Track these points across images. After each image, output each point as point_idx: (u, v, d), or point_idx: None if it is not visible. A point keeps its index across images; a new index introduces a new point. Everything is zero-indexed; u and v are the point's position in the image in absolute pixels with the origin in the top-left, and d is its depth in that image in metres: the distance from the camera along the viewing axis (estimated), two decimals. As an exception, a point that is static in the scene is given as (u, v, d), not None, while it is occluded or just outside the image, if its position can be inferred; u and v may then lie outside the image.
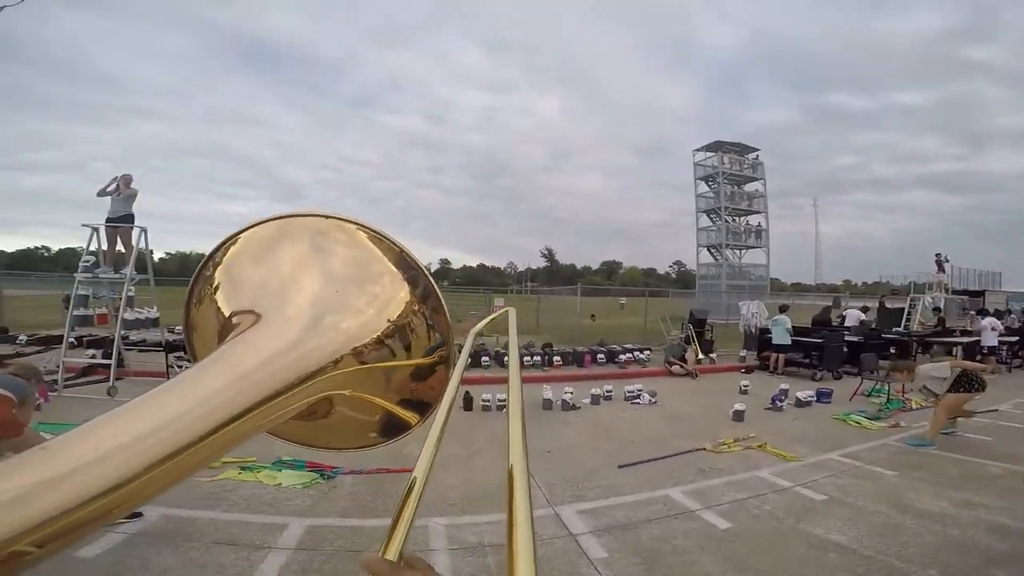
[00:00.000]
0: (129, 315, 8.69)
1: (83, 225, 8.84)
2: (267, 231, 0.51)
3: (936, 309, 16.23)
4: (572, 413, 7.19)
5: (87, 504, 0.26)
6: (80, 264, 8.98)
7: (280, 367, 0.40)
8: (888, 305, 18.60)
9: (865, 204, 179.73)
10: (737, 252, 30.12)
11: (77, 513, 0.26)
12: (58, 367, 7.66)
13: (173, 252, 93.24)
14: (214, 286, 0.50)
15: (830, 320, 12.07)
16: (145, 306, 9.67)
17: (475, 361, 9.71)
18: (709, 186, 29.38)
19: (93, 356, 8.80)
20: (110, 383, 7.35)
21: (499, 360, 10.02)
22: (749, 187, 29.95)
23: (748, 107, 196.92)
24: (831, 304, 13.04)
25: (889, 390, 8.00)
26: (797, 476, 4.78)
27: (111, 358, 7.79)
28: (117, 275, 8.84)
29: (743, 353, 11.94)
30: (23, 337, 10.70)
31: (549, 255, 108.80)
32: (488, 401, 6.98)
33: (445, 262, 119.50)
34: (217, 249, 0.51)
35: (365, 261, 0.51)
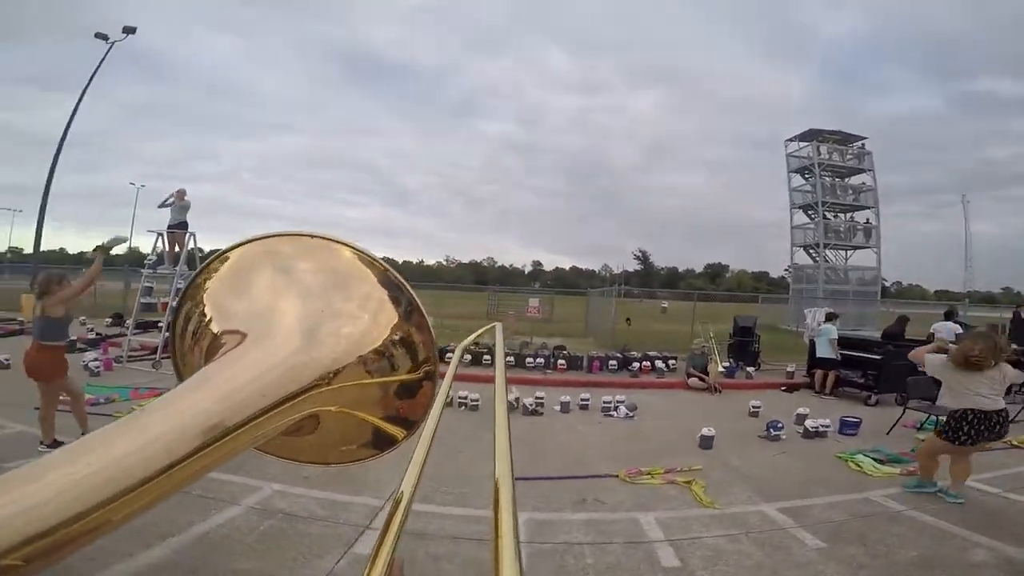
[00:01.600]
0: (176, 303, 10.05)
1: (148, 231, 11.01)
2: (251, 251, 0.50)
3: None
4: (529, 419, 6.56)
5: (77, 519, 0.26)
6: (144, 262, 10.97)
7: (267, 384, 0.40)
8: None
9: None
10: (843, 253, 26.12)
11: (67, 528, 0.25)
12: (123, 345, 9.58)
13: None
14: (200, 308, 0.49)
15: (903, 333, 9.63)
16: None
17: (476, 359, 9.49)
18: (805, 179, 25.77)
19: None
20: (156, 358, 8.84)
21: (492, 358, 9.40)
22: (855, 180, 25.82)
23: (878, 96, 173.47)
24: (904, 316, 10.26)
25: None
26: (682, 529, 3.63)
27: (162, 340, 9.22)
28: (171, 270, 10.49)
29: (791, 368, 9.97)
30: (130, 321, 11.69)
31: (643, 257, 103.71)
32: (464, 398, 6.71)
33: (537, 263, 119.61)
34: (200, 271, 0.50)
35: (351, 278, 0.50)
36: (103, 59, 19.47)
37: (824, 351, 8.71)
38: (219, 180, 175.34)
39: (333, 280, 0.50)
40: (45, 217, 19.12)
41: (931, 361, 4.36)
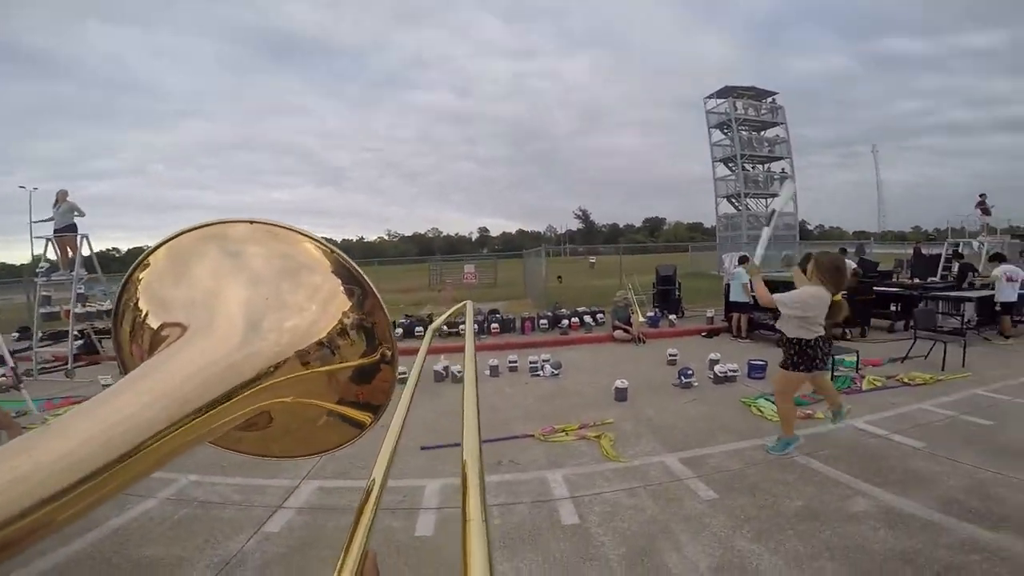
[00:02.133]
0: (80, 309, 9.63)
1: (35, 237, 10.58)
2: (190, 241, 0.46)
3: (997, 255, 13.64)
4: (459, 386, 6.41)
5: (8, 523, 0.25)
6: (36, 270, 10.39)
7: (210, 377, 0.38)
8: (924, 251, 16.19)
9: (937, 149, 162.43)
10: (763, 202, 27.35)
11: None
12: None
13: None
14: (138, 302, 0.46)
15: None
16: (99, 302, 10.48)
17: (453, 328, 9.39)
18: (724, 133, 26.62)
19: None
20: (68, 367, 8.72)
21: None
22: (770, 133, 26.89)
23: (794, 56, 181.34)
24: (810, 253, 10.89)
25: (855, 362, 6.42)
26: (586, 485, 3.70)
27: (71, 348, 9.09)
28: (67, 276, 9.86)
29: (710, 313, 10.40)
30: (40, 333, 10.91)
31: (584, 216, 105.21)
32: (444, 370, 6.85)
33: (484, 230, 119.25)
34: (138, 265, 0.47)
35: (290, 256, 0.47)
36: None
37: (737, 295, 9.09)
38: (124, 175, 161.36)
39: (279, 267, 0.47)
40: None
41: (794, 297, 3.83)
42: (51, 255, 10.32)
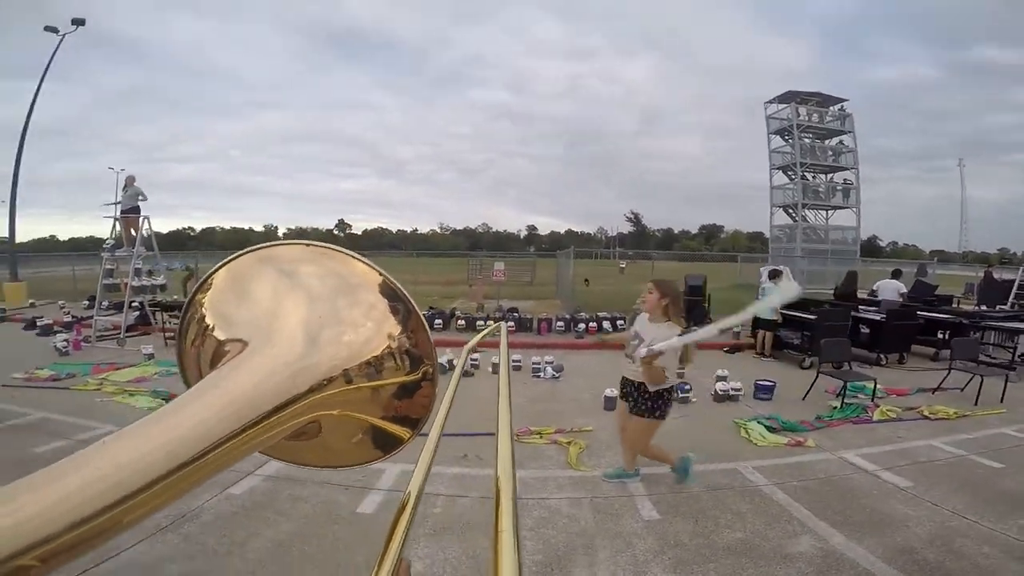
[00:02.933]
0: (136, 282, 10.75)
1: (104, 217, 11.33)
2: (253, 260, 0.51)
3: None
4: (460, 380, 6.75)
5: (89, 520, 0.27)
6: (103, 246, 11.50)
7: (272, 387, 0.41)
8: (996, 276, 14.77)
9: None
10: (823, 214, 25.81)
11: (80, 529, 0.27)
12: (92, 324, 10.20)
13: (293, 228, 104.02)
14: (204, 317, 0.49)
15: (854, 292, 9.48)
16: (154, 277, 11.71)
17: (470, 325, 10.16)
18: (785, 140, 25.27)
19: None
20: (120, 336, 9.63)
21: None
22: (835, 141, 25.28)
23: (873, 64, 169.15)
24: (855, 272, 10.09)
25: (872, 391, 6.00)
26: (537, 488, 3.72)
27: (129, 317, 10.21)
28: (128, 252, 11.01)
29: (737, 329, 9.95)
30: (106, 302, 11.89)
31: (636, 219, 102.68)
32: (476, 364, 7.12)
33: (532, 228, 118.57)
34: (205, 280, 0.51)
35: (343, 275, 0.51)
36: (55, 52, 19.30)
37: (763, 312, 8.62)
38: (205, 160, 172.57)
39: (335, 287, 0.50)
40: (18, 204, 18.92)
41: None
42: (118, 233, 11.29)
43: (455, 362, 5.82)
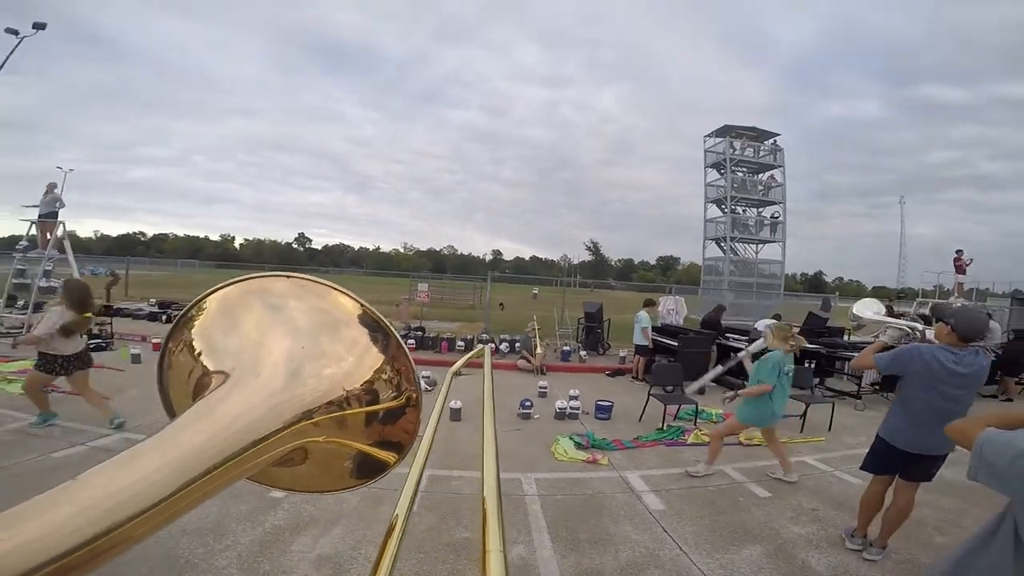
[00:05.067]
0: (44, 283, 11.01)
1: (20, 220, 11.73)
2: (239, 290, 0.52)
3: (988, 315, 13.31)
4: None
5: (73, 552, 0.27)
6: (16, 246, 11.89)
7: (257, 417, 0.42)
8: (896, 310, 15.82)
9: (968, 204, 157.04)
10: (751, 247, 26.93)
11: (64, 560, 0.27)
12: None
13: (251, 239, 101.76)
14: (188, 347, 0.50)
15: (718, 322, 10.05)
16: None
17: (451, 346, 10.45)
18: (720, 173, 26.40)
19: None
20: (22, 333, 9.19)
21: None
22: (766, 176, 26.54)
23: (827, 99, 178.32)
24: (722, 305, 10.74)
25: (695, 413, 6.34)
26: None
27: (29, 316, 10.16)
28: (39, 255, 11.38)
29: (623, 354, 10.35)
30: (22, 302, 11.86)
31: (594, 249, 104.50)
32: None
33: (497, 252, 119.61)
34: (188, 311, 0.51)
35: (327, 311, 0.52)
36: (10, 54, 18.96)
37: (637, 338, 9.06)
38: (167, 164, 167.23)
39: (317, 321, 0.51)
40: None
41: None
42: (34, 235, 11.67)
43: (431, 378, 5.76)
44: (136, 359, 8.40)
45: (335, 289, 0.52)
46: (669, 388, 7.22)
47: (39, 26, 19.60)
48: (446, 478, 4.20)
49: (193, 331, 0.51)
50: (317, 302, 0.52)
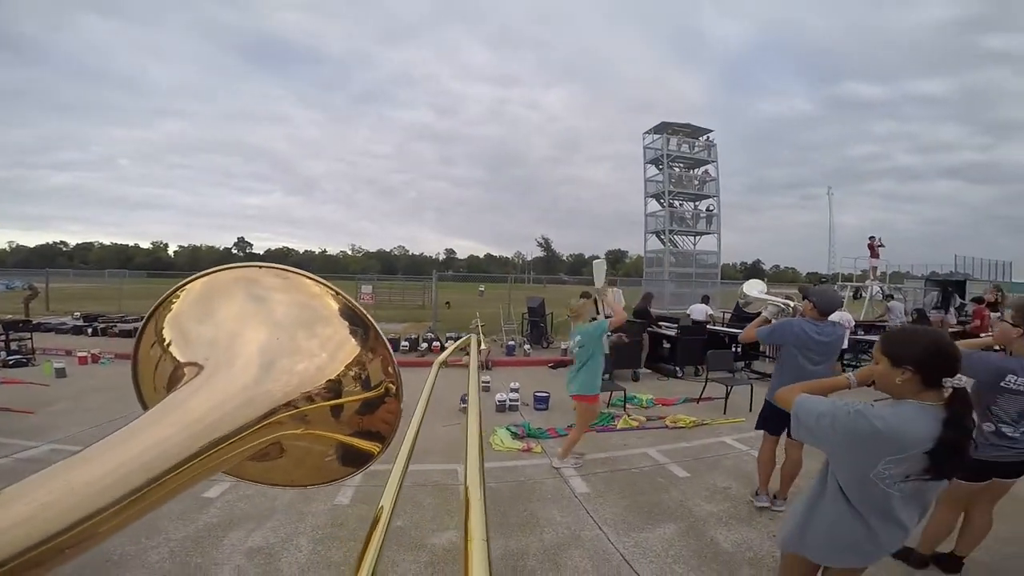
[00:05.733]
0: None
1: None
2: (211, 282, 0.51)
3: (888, 296, 14.56)
4: None
5: (39, 545, 0.26)
6: None
7: (229, 411, 0.41)
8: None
9: (889, 194, 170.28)
10: (689, 239, 28.10)
11: (28, 556, 0.26)
12: None
13: (185, 245, 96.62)
14: (161, 338, 0.49)
15: (647, 310, 10.48)
16: None
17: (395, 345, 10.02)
18: (659, 169, 27.40)
19: None
20: None
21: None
22: (700, 171, 27.79)
23: (761, 98, 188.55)
24: (649, 293, 11.24)
25: (641, 401, 6.58)
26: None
27: None
28: None
29: (564, 346, 10.60)
30: None
31: (546, 244, 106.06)
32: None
33: (450, 252, 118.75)
34: (162, 302, 0.50)
35: (305, 306, 0.51)
36: None
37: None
38: (89, 168, 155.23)
39: (289, 308, 0.50)
40: None
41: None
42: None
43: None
44: (61, 373, 7.94)
45: (313, 279, 0.52)
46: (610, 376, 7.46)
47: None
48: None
49: (167, 323, 0.50)
50: (296, 295, 0.52)
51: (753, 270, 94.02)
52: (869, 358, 2.32)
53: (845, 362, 9.48)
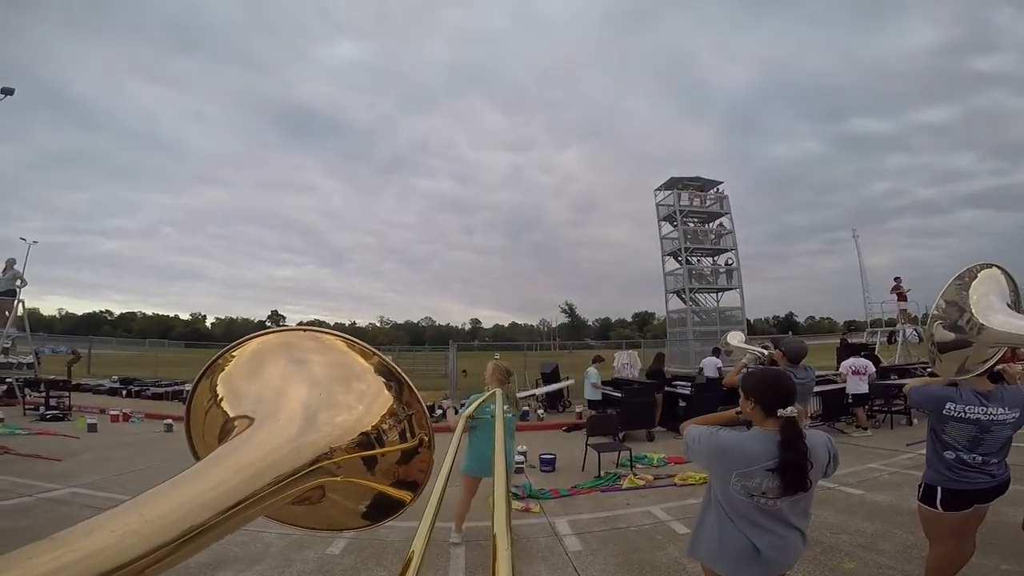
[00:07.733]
0: (2, 359, 11.61)
1: None
2: (258, 344, 0.57)
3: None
4: None
5: (127, 566, 0.30)
6: None
7: (278, 459, 0.45)
8: (850, 341, 16.66)
9: (914, 231, 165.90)
10: (712, 296, 27.84)
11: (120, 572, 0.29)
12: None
13: (222, 318, 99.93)
14: (214, 394, 0.55)
15: (661, 371, 10.45)
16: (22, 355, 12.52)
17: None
18: (673, 226, 27.68)
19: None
20: None
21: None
22: (715, 224, 27.96)
23: (773, 140, 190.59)
24: (661, 353, 11.23)
25: (651, 460, 6.63)
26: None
27: None
28: None
29: (579, 410, 10.60)
30: None
31: (570, 310, 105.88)
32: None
33: (476, 321, 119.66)
34: (216, 360, 0.56)
35: (344, 365, 0.58)
36: None
37: (588, 393, 9.38)
38: (135, 236, 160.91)
39: (335, 375, 0.56)
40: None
41: None
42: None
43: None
44: (92, 428, 8.64)
45: (351, 340, 0.58)
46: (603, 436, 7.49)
47: (7, 91, 20.19)
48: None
49: (220, 380, 0.56)
50: (338, 359, 0.58)
51: (788, 323, 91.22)
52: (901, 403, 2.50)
53: (876, 407, 9.24)
